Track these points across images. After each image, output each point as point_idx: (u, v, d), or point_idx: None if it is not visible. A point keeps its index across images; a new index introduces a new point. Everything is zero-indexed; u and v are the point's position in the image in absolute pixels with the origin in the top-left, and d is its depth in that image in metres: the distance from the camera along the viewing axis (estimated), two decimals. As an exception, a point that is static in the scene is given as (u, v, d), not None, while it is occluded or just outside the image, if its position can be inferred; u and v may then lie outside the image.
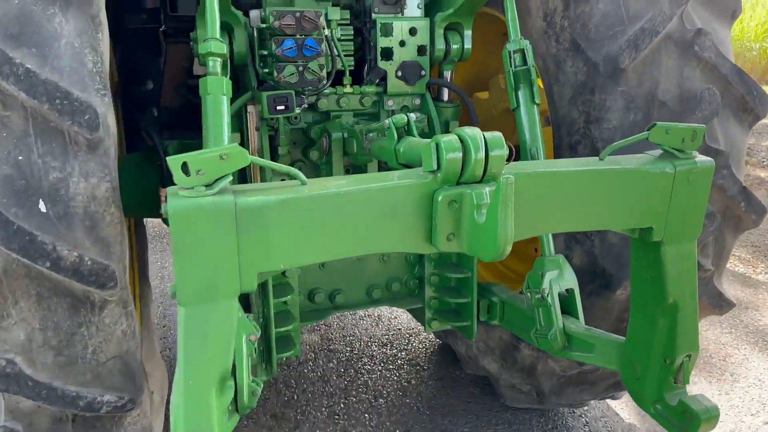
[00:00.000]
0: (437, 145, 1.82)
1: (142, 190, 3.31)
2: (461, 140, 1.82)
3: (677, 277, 2.18)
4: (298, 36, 2.66)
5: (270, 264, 1.70)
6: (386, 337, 5.05)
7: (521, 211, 1.95)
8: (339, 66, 2.98)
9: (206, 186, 1.60)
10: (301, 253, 1.75)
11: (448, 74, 3.29)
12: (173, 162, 1.57)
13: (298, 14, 2.61)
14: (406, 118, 2.35)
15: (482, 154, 1.82)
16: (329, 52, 2.89)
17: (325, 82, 2.79)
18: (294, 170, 1.74)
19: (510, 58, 2.74)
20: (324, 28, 2.86)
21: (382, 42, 3.03)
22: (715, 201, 2.87)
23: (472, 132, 1.83)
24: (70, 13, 2.14)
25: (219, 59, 2.35)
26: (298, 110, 2.79)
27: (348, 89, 3.03)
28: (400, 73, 3.06)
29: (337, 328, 5.15)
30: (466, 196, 1.84)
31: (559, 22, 3.06)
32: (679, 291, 2.19)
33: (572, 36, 2.99)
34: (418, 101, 3.18)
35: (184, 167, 1.58)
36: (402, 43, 3.06)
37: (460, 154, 1.82)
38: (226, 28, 2.81)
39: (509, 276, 4.10)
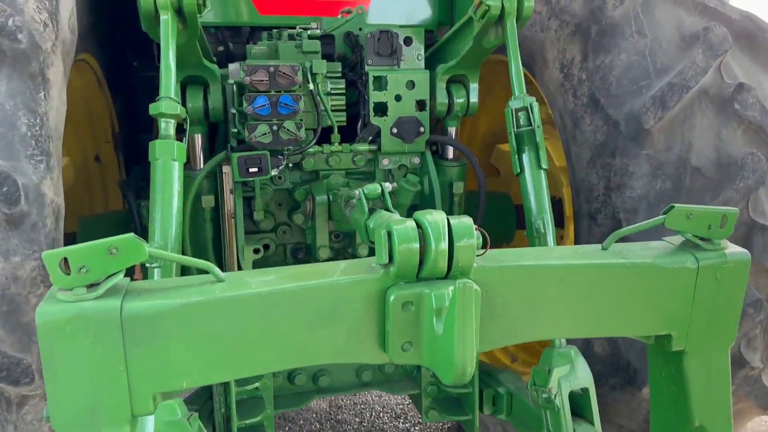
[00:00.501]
0: (389, 233, 1.48)
1: None
2: (419, 226, 1.48)
3: (705, 396, 1.74)
4: (273, 92, 2.39)
5: (170, 383, 1.38)
6: (400, 407, 4.64)
7: (501, 313, 1.58)
8: (328, 122, 2.70)
9: (88, 287, 1.30)
10: (212, 369, 1.43)
11: (452, 130, 2.96)
12: (49, 258, 1.28)
13: (272, 69, 2.34)
14: (379, 188, 2.02)
15: (445, 245, 1.47)
16: (315, 108, 2.62)
17: (304, 141, 2.50)
18: (207, 264, 1.43)
19: (513, 117, 2.39)
20: (308, 83, 2.59)
21: (376, 96, 2.73)
22: (762, 287, 2.40)
23: (434, 217, 1.49)
24: (3, 72, 1.93)
25: (172, 120, 2.10)
26: (274, 172, 2.50)
27: (336, 147, 2.74)
28: (395, 130, 2.75)
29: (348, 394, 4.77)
30: (424, 297, 1.48)
31: (577, 74, 2.70)
32: (707, 413, 1.75)
33: (591, 90, 2.62)
34: (417, 160, 2.85)
35: (64, 264, 1.29)
36: (398, 98, 2.75)
37: (418, 245, 1.47)
38: (202, 83, 2.57)
39: (523, 358, 3.67)
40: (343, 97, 2.80)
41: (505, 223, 3.77)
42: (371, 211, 2.02)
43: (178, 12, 2.14)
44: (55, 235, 2.06)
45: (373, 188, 2.02)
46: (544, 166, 2.38)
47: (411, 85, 2.75)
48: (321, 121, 2.65)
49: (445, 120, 2.94)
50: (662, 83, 2.41)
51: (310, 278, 1.49)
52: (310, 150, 2.68)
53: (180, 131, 2.97)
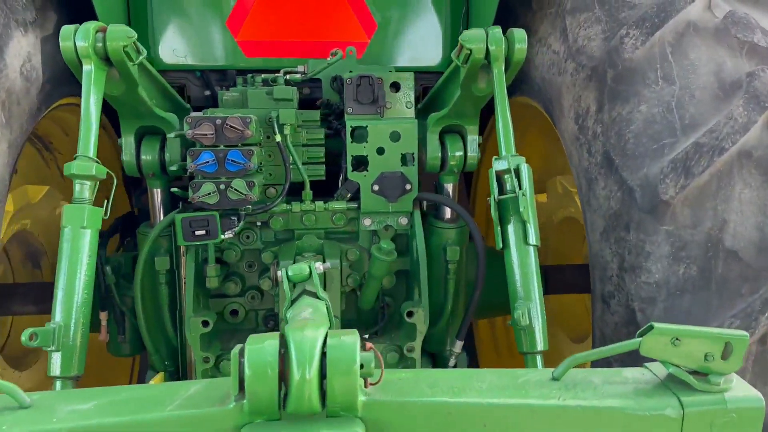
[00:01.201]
0: (242, 352, 1.14)
1: None
2: (285, 345, 1.13)
3: None
4: (222, 147, 2.11)
5: None
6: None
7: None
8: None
9: None
10: None
11: (449, 187, 2.57)
12: None
13: (219, 121, 2.07)
14: (307, 269, 1.68)
15: (313, 374, 1.11)
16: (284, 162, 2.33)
17: (268, 199, 2.20)
18: (10, 387, 1.14)
19: (495, 181, 1.99)
20: (275, 133, 2.30)
21: (354, 149, 2.39)
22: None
23: (304, 335, 1.13)
24: None
25: (87, 183, 1.86)
26: (228, 235, 2.21)
27: (308, 206, 2.42)
28: (376, 187, 2.40)
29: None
30: (283, 445, 1.12)
31: (592, 126, 2.25)
32: None
33: (605, 147, 2.16)
34: (405, 221, 2.48)
35: None
36: (380, 151, 2.40)
37: (277, 372, 1.12)
38: (160, 133, 2.34)
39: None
40: (321, 148, 2.49)
41: None
42: (297, 296, 1.67)
43: (108, 60, 1.92)
44: None
45: (300, 269, 1.68)
46: (533, 241, 1.95)
47: (396, 136, 2.39)
48: (289, 175, 2.35)
49: (439, 176, 2.55)
50: (688, 143, 1.93)
51: (140, 408, 1.16)
52: (276, 209, 2.38)
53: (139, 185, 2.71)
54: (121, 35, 1.86)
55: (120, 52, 1.87)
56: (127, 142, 2.30)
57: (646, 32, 2.12)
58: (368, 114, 2.42)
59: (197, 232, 2.15)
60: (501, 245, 1.99)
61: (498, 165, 1.99)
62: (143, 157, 2.31)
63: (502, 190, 2.00)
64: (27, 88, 2.29)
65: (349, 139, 2.38)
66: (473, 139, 2.48)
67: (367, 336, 2.50)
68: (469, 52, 2.01)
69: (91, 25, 1.86)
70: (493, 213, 1.97)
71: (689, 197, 1.90)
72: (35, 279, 3.40)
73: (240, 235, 2.45)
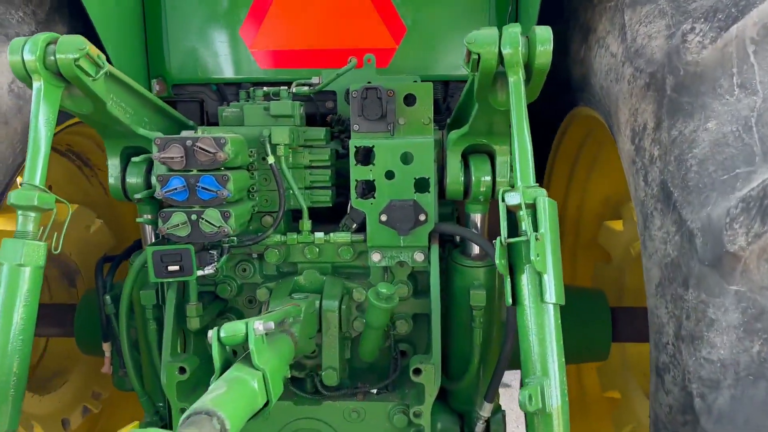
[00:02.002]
0: None
1: None
2: None
3: None
4: (195, 172, 1.85)
5: None
6: None
7: None
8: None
9: None
10: None
11: (476, 218, 2.15)
12: None
13: (189, 143, 1.80)
14: (243, 331, 1.36)
15: None
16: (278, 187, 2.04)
17: (259, 229, 1.91)
18: None
19: (505, 217, 1.57)
20: (267, 155, 2.01)
21: (358, 173, 2.05)
22: None
23: None
24: None
25: (31, 214, 1.66)
26: (208, 270, 1.95)
27: (306, 237, 2.10)
28: (384, 218, 2.03)
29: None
30: None
31: (648, 148, 1.77)
32: None
33: (663, 176, 1.68)
34: (421, 257, 2.09)
35: None
36: (389, 175, 2.04)
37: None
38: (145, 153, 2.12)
39: None
40: (327, 171, 2.17)
41: (596, 332, 2.80)
42: (229, 362, 1.36)
43: (60, 76, 1.71)
44: None
45: (233, 329, 1.36)
46: (552, 298, 1.51)
47: (407, 158, 2.02)
48: (283, 202, 2.05)
49: (465, 204, 2.15)
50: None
51: None
52: (269, 240, 2.09)
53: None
54: (70, 47, 1.64)
55: (71, 66, 1.65)
56: (112, 164, 2.10)
57: (717, 26, 1.62)
58: (377, 132, 2.07)
59: (170, 268, 1.89)
60: (510, 301, 1.57)
61: (510, 199, 1.57)
62: (128, 180, 2.10)
63: (516, 230, 1.58)
64: (19, 106, 2.16)
65: (352, 161, 2.04)
66: (504, 161, 2.06)
67: (375, 391, 2.15)
68: (476, 56, 1.61)
69: (41, 37, 1.66)
70: (498, 261, 1.55)
71: (766, 248, 1.39)
72: (71, 299, 3.35)
73: (236, 268, 2.19)
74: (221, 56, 2.54)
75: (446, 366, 2.38)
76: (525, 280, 1.54)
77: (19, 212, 1.64)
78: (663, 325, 1.66)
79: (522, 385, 1.53)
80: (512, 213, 1.61)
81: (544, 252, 1.50)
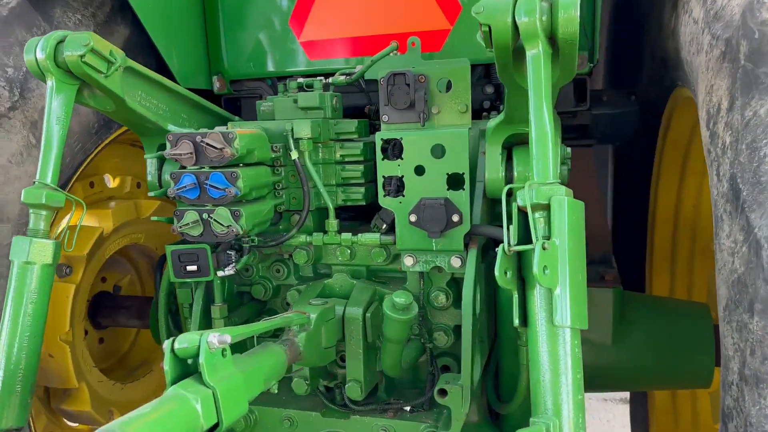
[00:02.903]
0: None
1: None
2: None
3: None
4: (206, 168, 1.77)
5: None
6: None
7: None
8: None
9: None
10: None
11: (524, 219, 1.87)
12: None
13: (198, 139, 1.73)
14: (196, 342, 1.24)
15: None
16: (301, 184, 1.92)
17: (239, 233, 1.78)
18: None
19: (508, 228, 1.31)
20: (290, 150, 1.90)
21: (386, 168, 1.86)
22: None
23: None
24: None
25: (42, 212, 1.67)
26: (229, 271, 1.87)
27: (332, 238, 1.96)
28: (414, 218, 1.83)
29: None
30: None
31: (721, 134, 1.41)
32: None
33: (733, 169, 1.33)
34: (458, 262, 1.86)
35: None
36: (419, 170, 1.83)
37: None
38: None
39: None
40: (359, 166, 2.00)
41: (698, 353, 2.37)
42: (181, 374, 1.24)
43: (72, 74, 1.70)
44: None
45: (189, 341, 1.24)
46: (566, 321, 1.23)
47: (439, 151, 1.80)
48: (307, 200, 1.92)
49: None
50: None
51: None
52: (295, 241, 1.97)
53: None
54: (75, 44, 1.62)
55: (78, 63, 1.63)
56: (149, 161, 2.09)
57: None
58: (407, 122, 1.86)
59: (188, 268, 1.84)
60: (518, 322, 1.31)
61: (522, 197, 1.30)
62: (165, 177, 2.09)
63: (528, 235, 1.31)
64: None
65: (379, 155, 1.86)
66: (554, 151, 1.76)
67: (408, 408, 1.96)
68: (487, 28, 1.36)
69: (53, 35, 1.67)
70: (498, 272, 1.29)
71: None
72: (159, 292, 3.49)
73: (271, 269, 2.10)
74: (273, 50, 2.46)
75: (497, 386, 2.13)
76: (536, 298, 1.28)
77: (31, 210, 1.66)
78: (729, 359, 1.31)
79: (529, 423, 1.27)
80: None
81: (555, 264, 1.23)
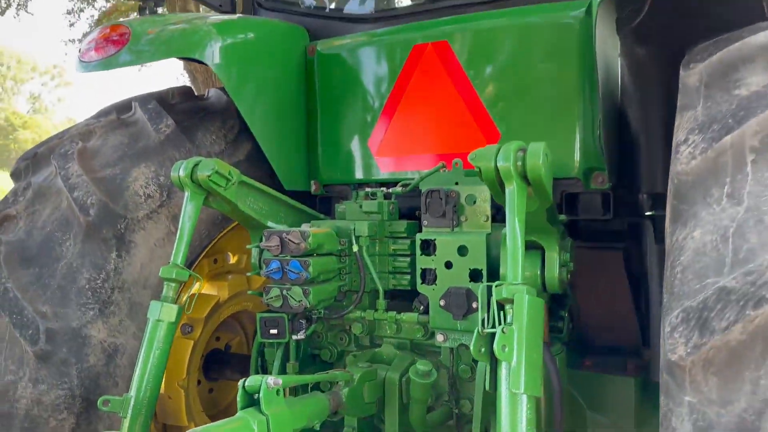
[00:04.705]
0: None
1: None
2: None
3: None
4: (288, 257, 2.38)
5: None
6: None
7: None
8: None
9: None
10: None
11: (533, 310, 2.29)
12: None
13: (284, 235, 2.36)
14: (259, 381, 1.79)
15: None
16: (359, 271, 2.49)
17: (308, 307, 2.34)
18: None
19: (485, 308, 1.77)
20: (353, 244, 2.48)
21: (423, 262, 2.38)
22: None
23: None
24: (80, 237, 2.53)
25: (172, 284, 2.33)
26: (299, 336, 2.44)
27: (381, 315, 2.48)
28: (443, 302, 2.32)
29: None
30: None
31: (667, 251, 1.80)
32: None
33: (662, 280, 1.71)
34: None
35: None
36: (448, 265, 2.33)
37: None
38: None
39: None
40: (407, 258, 2.54)
41: None
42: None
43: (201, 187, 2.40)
44: (106, 370, 2.50)
45: (254, 381, 1.80)
46: (520, 389, 1.65)
47: (463, 251, 2.30)
48: (363, 284, 2.47)
49: (521, 295, 2.31)
50: (721, 284, 1.41)
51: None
52: (353, 315, 2.51)
53: None
54: (205, 167, 2.32)
55: (206, 181, 2.33)
56: (254, 249, 2.75)
57: (711, 137, 1.65)
58: (441, 227, 2.39)
59: (271, 331, 2.44)
60: (488, 386, 1.74)
61: (496, 293, 1.77)
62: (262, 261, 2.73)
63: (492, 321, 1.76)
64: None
65: (418, 251, 2.39)
66: (552, 257, 2.20)
67: None
68: (479, 170, 1.88)
69: (191, 161, 2.38)
70: (473, 348, 1.75)
71: (711, 361, 1.38)
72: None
73: (336, 337, 2.65)
74: (355, 162, 3.10)
75: None
76: (502, 369, 1.71)
77: (165, 282, 2.34)
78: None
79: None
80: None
81: (512, 343, 1.67)
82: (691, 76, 1.95)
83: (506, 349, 1.67)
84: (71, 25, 22.21)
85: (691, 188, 1.65)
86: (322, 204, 3.35)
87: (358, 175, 3.10)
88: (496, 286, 1.79)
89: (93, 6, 20.98)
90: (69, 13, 21.97)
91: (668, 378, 1.48)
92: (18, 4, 21.25)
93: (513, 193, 1.83)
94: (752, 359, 1.35)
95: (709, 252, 1.53)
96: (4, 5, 21.31)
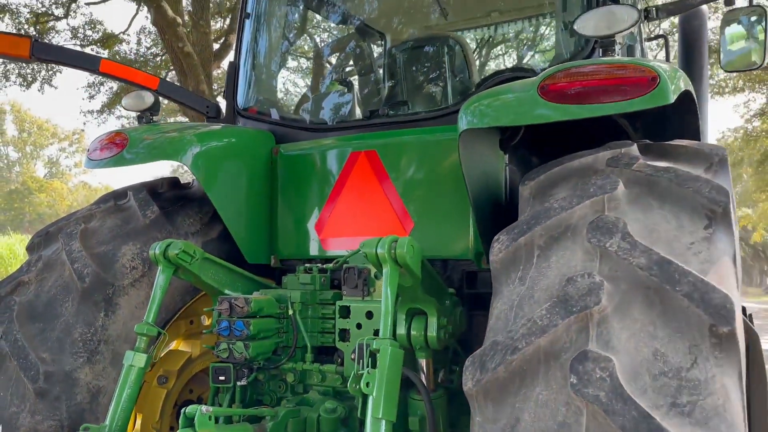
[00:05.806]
0: None
1: None
2: None
3: None
4: (235, 318, 3.07)
5: None
6: None
7: None
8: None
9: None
10: None
11: (422, 363, 2.95)
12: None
13: (232, 300, 3.05)
14: (196, 409, 2.44)
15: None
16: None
17: (248, 359, 2.98)
18: None
19: (360, 355, 2.44)
20: (288, 309, 3.16)
21: (340, 323, 3.07)
22: None
23: None
24: (76, 299, 3.24)
25: (143, 338, 3.01)
26: (242, 382, 3.08)
27: (308, 366, 3.14)
28: (353, 356, 2.98)
29: None
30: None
31: (494, 317, 2.48)
32: None
33: (486, 338, 2.39)
34: None
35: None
36: (358, 326, 3.01)
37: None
38: None
39: None
40: (332, 321, 3.21)
41: None
42: None
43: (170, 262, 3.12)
44: (90, 407, 3.15)
45: (193, 409, 2.46)
46: (379, 414, 2.31)
47: (370, 315, 2.99)
48: (296, 341, 3.14)
49: (415, 351, 2.98)
50: (494, 339, 2.09)
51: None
52: (285, 366, 3.17)
53: None
54: (175, 247, 3.05)
55: (175, 257, 3.05)
56: (214, 311, 3.43)
57: (512, 237, 2.35)
58: (355, 296, 3.08)
59: (220, 378, 3.09)
60: (360, 414, 2.39)
61: (370, 345, 2.44)
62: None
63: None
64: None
65: (337, 315, 3.08)
66: (432, 321, 2.87)
67: None
68: (364, 254, 2.59)
69: (165, 242, 3.10)
70: (350, 386, 2.41)
71: (489, 391, 2.03)
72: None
73: (274, 384, 3.29)
74: (305, 242, 3.82)
75: None
76: (369, 400, 2.37)
77: (138, 336, 3.02)
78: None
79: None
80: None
81: (373, 381, 2.33)
82: (526, 189, 2.67)
83: (369, 385, 2.33)
84: (91, 97, 23.62)
85: (500, 272, 2.35)
86: (282, 275, 4.06)
87: (308, 252, 3.82)
88: (366, 341, 2.46)
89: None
90: (89, 86, 23.58)
91: (469, 402, 2.14)
92: (43, 78, 22.82)
93: (387, 273, 2.53)
94: (512, 391, 2.01)
95: (502, 318, 2.21)
96: (30, 79, 22.88)
